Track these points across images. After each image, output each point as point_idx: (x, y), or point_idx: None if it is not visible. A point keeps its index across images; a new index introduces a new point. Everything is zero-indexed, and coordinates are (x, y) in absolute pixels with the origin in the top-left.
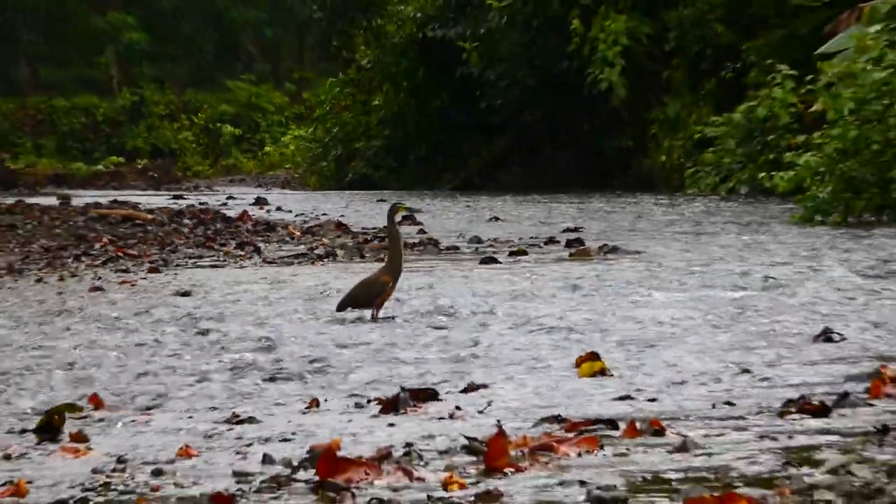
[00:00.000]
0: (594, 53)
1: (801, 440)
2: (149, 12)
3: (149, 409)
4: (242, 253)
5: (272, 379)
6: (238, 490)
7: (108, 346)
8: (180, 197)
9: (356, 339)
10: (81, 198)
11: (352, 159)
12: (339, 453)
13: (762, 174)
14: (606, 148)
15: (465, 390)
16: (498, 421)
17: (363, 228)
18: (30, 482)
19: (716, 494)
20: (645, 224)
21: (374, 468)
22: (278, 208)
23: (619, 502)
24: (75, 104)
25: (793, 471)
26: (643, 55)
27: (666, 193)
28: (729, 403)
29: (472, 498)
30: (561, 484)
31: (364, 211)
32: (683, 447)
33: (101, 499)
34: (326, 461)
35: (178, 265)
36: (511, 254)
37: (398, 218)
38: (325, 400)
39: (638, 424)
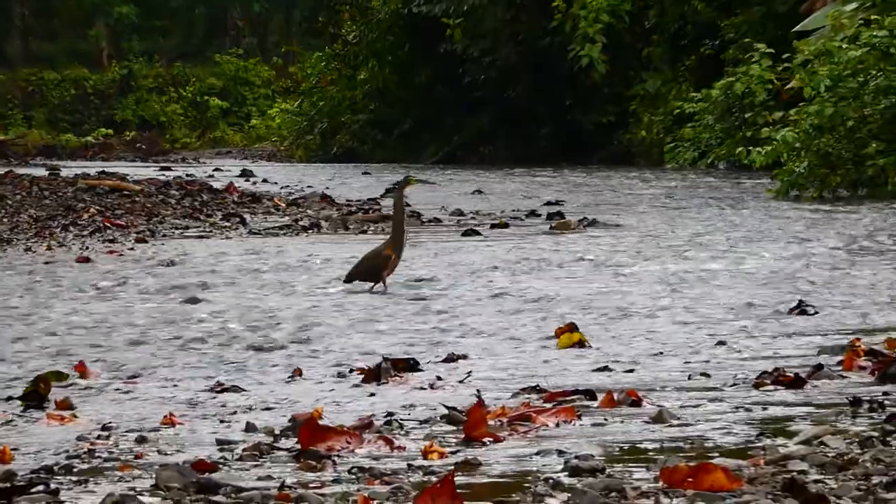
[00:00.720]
0: (576, 30)
1: (776, 411)
2: None
3: (134, 377)
4: (228, 224)
5: (256, 348)
6: (221, 458)
7: (94, 314)
8: (168, 169)
9: (340, 310)
10: (70, 169)
11: (337, 133)
12: (321, 422)
13: (740, 149)
14: (587, 123)
15: (445, 360)
16: (477, 391)
17: (348, 201)
18: (15, 449)
19: (691, 464)
20: (625, 198)
21: (355, 437)
22: (264, 180)
23: (597, 472)
24: (65, 77)
25: (767, 441)
26: (624, 32)
27: (646, 168)
28: (705, 375)
29: (452, 467)
30: (539, 453)
31: (349, 183)
32: (660, 418)
33: (85, 465)
34: (308, 430)
35: (164, 235)
36: (493, 226)
37: (407, 192)
38: (308, 369)
39: (615, 395)
